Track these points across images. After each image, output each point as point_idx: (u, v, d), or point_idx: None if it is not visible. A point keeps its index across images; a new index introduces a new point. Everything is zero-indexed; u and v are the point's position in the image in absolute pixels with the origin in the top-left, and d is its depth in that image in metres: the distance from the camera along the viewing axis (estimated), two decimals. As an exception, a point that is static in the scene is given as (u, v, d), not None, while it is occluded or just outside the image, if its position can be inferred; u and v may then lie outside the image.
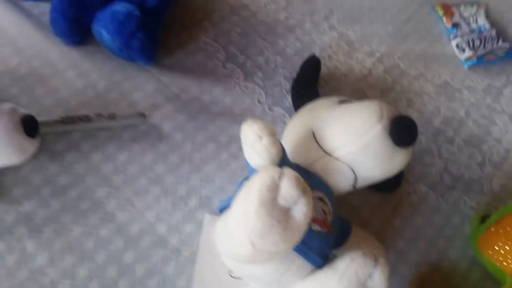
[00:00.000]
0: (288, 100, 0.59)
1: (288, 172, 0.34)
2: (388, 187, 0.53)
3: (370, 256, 0.38)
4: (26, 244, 0.44)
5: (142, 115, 0.52)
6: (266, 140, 0.38)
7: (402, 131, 0.39)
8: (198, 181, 0.51)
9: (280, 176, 0.34)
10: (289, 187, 0.33)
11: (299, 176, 0.35)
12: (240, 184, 0.43)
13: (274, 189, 0.33)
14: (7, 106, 0.42)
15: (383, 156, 0.40)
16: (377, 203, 0.53)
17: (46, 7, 0.58)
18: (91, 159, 0.49)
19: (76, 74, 0.55)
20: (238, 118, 0.56)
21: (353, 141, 0.40)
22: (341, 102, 0.45)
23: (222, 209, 0.45)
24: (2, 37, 0.55)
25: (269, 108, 0.58)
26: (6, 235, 0.44)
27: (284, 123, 0.57)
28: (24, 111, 0.42)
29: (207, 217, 0.48)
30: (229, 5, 0.66)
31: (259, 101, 0.58)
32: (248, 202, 0.33)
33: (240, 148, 0.52)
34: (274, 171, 0.34)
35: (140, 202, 0.48)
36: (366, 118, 0.40)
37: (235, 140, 0.54)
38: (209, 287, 0.45)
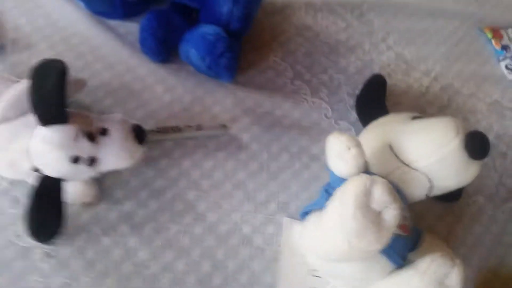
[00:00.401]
0: (353, 115, 0.64)
1: (380, 179, 0.39)
2: (451, 197, 0.57)
3: (448, 257, 0.42)
4: (129, 240, 0.49)
5: (224, 126, 0.57)
6: (354, 151, 0.42)
7: (477, 145, 0.44)
8: (276, 188, 0.56)
9: (372, 183, 0.39)
10: (381, 193, 0.38)
11: (389, 183, 0.40)
12: (323, 191, 0.47)
13: (367, 194, 0.38)
14: (118, 116, 0.47)
15: (458, 167, 0.44)
16: (441, 212, 0.57)
17: (131, 27, 0.65)
18: (182, 165, 0.55)
19: (163, 89, 0.60)
20: (307, 131, 0.61)
21: (432, 154, 0.44)
22: (414, 117, 0.50)
23: (305, 214, 0.50)
24: (95, 53, 0.61)
25: (335, 122, 0.63)
26: (110, 232, 0.49)
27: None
28: (133, 121, 0.47)
29: (286, 220, 0.53)
30: (294, 27, 0.72)
31: (325, 116, 0.63)
32: (344, 206, 0.38)
33: (310, 158, 0.58)
34: (367, 178, 0.39)
35: (226, 205, 0.53)
36: (444, 132, 0.44)
37: (305, 151, 0.59)
38: (292, 283, 0.49)
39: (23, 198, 0.47)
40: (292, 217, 0.54)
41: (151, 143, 0.55)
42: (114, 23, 0.64)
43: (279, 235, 0.52)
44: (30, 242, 0.44)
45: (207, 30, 0.57)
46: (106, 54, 0.61)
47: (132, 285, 0.46)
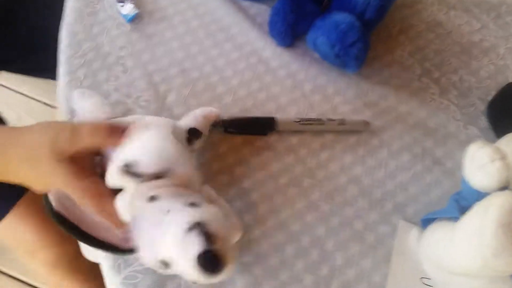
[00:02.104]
0: (483, 122, 0.59)
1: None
2: None
3: None
4: (244, 217, 0.50)
5: (366, 123, 0.56)
6: (499, 164, 0.39)
7: None
8: (393, 187, 0.53)
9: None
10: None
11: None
12: (453, 200, 0.44)
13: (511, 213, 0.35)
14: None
15: None
16: None
17: (261, 8, 0.65)
18: (299, 152, 0.54)
19: (286, 74, 0.60)
20: (432, 132, 0.58)
21: None
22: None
23: (427, 220, 0.47)
24: (226, 33, 0.63)
25: (464, 126, 0.59)
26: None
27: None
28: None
29: (401, 223, 0.51)
30: (425, 22, 0.68)
31: (454, 118, 0.59)
32: (485, 220, 0.35)
33: (434, 162, 0.55)
34: (512, 196, 0.36)
35: (339, 198, 0.52)
36: None
37: (429, 153, 0.56)
38: (402, 288, 0.47)
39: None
40: (408, 220, 0.51)
41: (290, 132, 0.55)
42: (245, 3, 0.65)
43: (393, 236, 0.50)
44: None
45: (340, 18, 0.55)
46: (235, 34, 0.63)
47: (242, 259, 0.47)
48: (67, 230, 0.40)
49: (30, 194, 0.73)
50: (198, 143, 0.47)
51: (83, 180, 0.38)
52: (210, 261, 0.31)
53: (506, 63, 0.65)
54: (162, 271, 0.35)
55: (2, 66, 0.84)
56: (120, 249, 0.41)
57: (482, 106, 0.60)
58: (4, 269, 0.97)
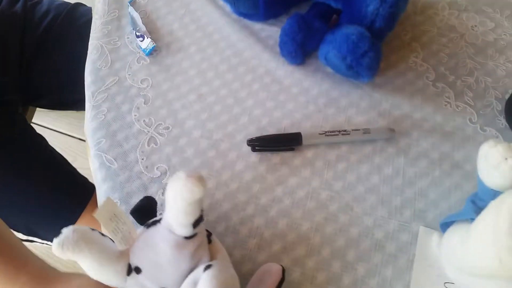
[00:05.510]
0: (501, 121, 0.58)
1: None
2: None
3: None
4: (264, 232, 0.52)
5: (391, 130, 0.56)
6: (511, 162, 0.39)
7: None
8: (412, 194, 0.53)
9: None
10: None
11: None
12: (469, 201, 0.44)
13: (525, 210, 0.35)
14: None
15: None
16: None
17: (271, 31, 0.68)
18: (314, 165, 0.56)
19: (299, 90, 0.62)
20: (449, 136, 0.57)
21: None
22: None
23: (445, 224, 0.47)
24: (239, 56, 0.66)
25: (481, 128, 0.58)
26: (247, 222, 0.52)
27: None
28: None
29: (422, 229, 0.51)
30: (437, 27, 0.68)
31: (470, 121, 0.59)
32: (499, 220, 0.35)
33: (452, 166, 0.55)
34: (526, 192, 0.35)
35: (358, 208, 0.53)
36: None
37: (447, 157, 0.56)
38: (426, 295, 0.47)
39: None
40: (429, 226, 0.51)
41: (309, 146, 0.57)
42: (256, 27, 0.68)
43: (414, 244, 0.50)
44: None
45: (350, 30, 0.57)
46: (248, 57, 0.65)
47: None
48: None
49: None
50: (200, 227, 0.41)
51: None
52: None
53: (524, 60, 0.64)
54: None
55: (38, 101, 0.91)
56: None
57: (499, 106, 0.60)
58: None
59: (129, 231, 0.40)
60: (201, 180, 0.37)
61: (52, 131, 1.52)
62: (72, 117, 1.55)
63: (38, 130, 0.86)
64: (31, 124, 0.90)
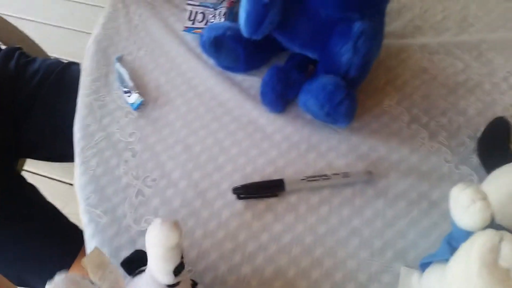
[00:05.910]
0: (475, 159, 0.61)
1: (509, 236, 0.37)
2: None
3: None
4: (251, 281, 0.53)
5: (369, 172, 0.59)
6: (480, 204, 0.41)
7: None
8: (392, 235, 0.55)
9: (500, 240, 0.37)
10: (510, 250, 0.36)
11: (517, 240, 0.37)
12: (445, 242, 0.46)
13: (495, 251, 0.37)
14: None
15: None
16: None
17: (253, 81, 0.71)
18: (298, 210, 0.58)
19: (281, 137, 0.65)
20: (426, 176, 0.60)
21: None
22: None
23: (424, 264, 0.49)
24: (223, 107, 0.69)
25: (456, 167, 0.61)
26: (234, 271, 0.54)
27: (472, 181, 0.59)
28: None
29: (403, 270, 0.53)
30: (410, 70, 0.72)
31: (445, 160, 0.61)
32: (470, 262, 0.37)
33: (430, 205, 0.57)
34: (494, 234, 0.37)
35: (342, 252, 0.54)
36: None
37: (424, 197, 0.58)
38: (411, 336, 0.48)
39: None
40: (410, 265, 0.53)
41: (292, 191, 0.59)
42: (238, 78, 0.72)
43: (396, 284, 0.52)
44: None
45: (326, 80, 0.60)
46: (232, 107, 0.68)
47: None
48: None
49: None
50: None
51: None
52: None
53: (493, 98, 0.68)
54: None
55: (29, 155, 0.93)
56: None
57: (472, 144, 0.62)
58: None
59: (116, 279, 0.42)
60: (176, 225, 0.39)
61: (43, 177, 1.54)
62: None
63: (29, 176, 0.88)
64: (23, 170, 0.92)
